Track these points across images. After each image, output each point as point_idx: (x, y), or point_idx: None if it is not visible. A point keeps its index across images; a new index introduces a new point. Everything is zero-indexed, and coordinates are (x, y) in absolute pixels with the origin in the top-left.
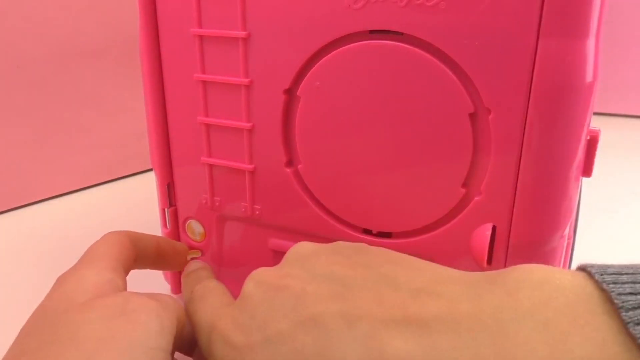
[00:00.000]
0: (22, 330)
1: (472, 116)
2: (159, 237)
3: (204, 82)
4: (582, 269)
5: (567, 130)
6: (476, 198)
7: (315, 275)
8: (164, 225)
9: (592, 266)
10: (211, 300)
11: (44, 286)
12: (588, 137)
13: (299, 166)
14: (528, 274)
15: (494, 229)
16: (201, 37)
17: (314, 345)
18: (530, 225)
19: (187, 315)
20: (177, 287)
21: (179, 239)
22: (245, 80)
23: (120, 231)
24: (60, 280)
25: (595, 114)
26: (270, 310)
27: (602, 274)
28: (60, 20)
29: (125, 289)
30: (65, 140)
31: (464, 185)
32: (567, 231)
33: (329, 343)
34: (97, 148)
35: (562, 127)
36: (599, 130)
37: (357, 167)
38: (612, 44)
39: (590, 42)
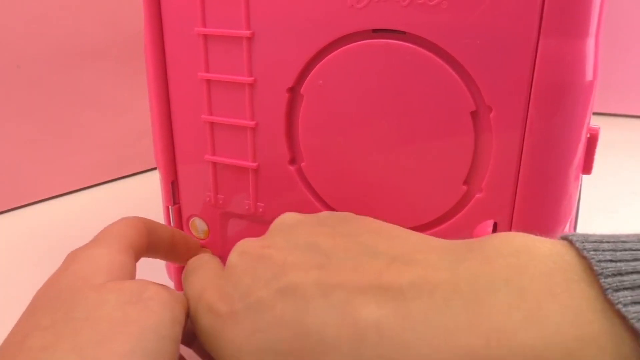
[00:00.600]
0: (31, 304)
1: (474, 114)
2: (174, 229)
3: (208, 81)
4: (564, 238)
5: (567, 128)
6: (477, 195)
7: (297, 246)
8: (168, 223)
9: (574, 235)
10: (202, 273)
11: None
12: (588, 135)
13: (302, 164)
14: (507, 242)
15: (495, 225)
16: (205, 36)
17: (292, 312)
18: (531, 222)
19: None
20: (180, 283)
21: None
22: (249, 79)
23: (137, 217)
24: (72, 257)
25: (595, 114)
26: (252, 279)
27: (582, 242)
28: (60, 20)
29: (134, 274)
30: (65, 140)
31: (466, 182)
32: (567, 228)
33: (306, 310)
34: (97, 148)
35: (563, 125)
36: (599, 128)
37: (359, 165)
38: (612, 44)
39: (590, 42)
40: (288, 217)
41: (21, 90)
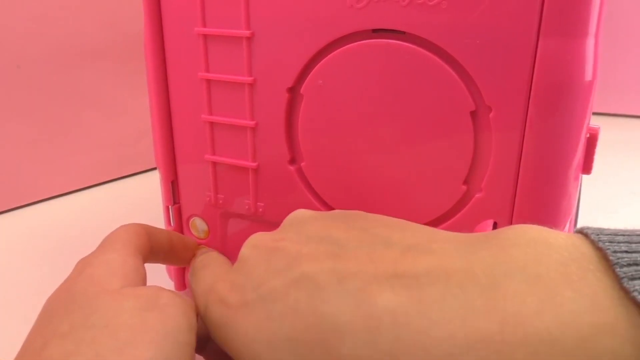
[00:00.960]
0: (46, 310)
1: (473, 114)
2: (170, 231)
3: (208, 81)
4: (579, 231)
5: (566, 128)
6: (477, 195)
7: (310, 238)
8: (168, 222)
9: (588, 228)
10: (211, 268)
11: (44, 286)
12: (588, 135)
13: (302, 164)
14: (522, 233)
15: (494, 225)
16: (205, 36)
17: (306, 301)
18: (531, 222)
19: (190, 286)
20: (181, 283)
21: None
22: (249, 79)
23: (137, 223)
24: (84, 264)
25: (595, 114)
26: (265, 270)
27: (597, 234)
28: (60, 20)
29: (146, 278)
30: (65, 140)
31: (465, 182)
32: (566, 228)
33: (321, 298)
34: (97, 148)
35: (562, 125)
36: (599, 128)
37: (359, 165)
38: (612, 44)
39: (590, 42)
40: (300, 213)
41: (21, 90)
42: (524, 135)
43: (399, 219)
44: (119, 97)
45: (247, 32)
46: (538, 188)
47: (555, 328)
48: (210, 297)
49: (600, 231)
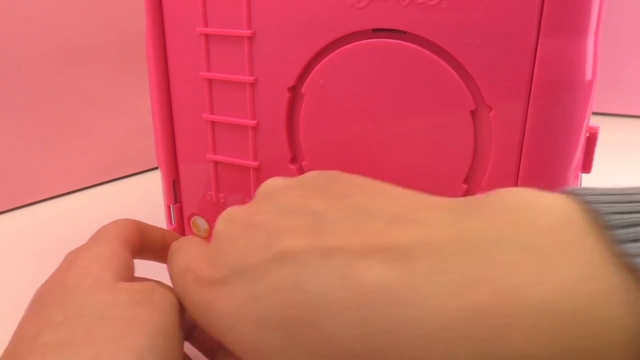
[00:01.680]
0: (37, 300)
1: (474, 113)
2: (164, 229)
3: (210, 80)
4: (567, 192)
5: (566, 127)
6: (477, 194)
7: (287, 211)
8: (169, 221)
9: (577, 189)
10: (187, 249)
11: None
12: (587, 134)
13: (303, 163)
14: (512, 197)
15: None
16: (207, 36)
17: (290, 278)
18: None
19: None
20: None
21: (184, 235)
22: (250, 78)
23: (128, 218)
24: (74, 255)
25: (594, 113)
26: (244, 246)
27: (588, 195)
28: (60, 20)
29: (134, 270)
30: (66, 140)
31: (466, 181)
32: None
33: (305, 276)
34: (97, 148)
35: (562, 124)
36: (598, 127)
37: (360, 164)
38: (612, 44)
39: (590, 41)
40: (273, 182)
41: (21, 90)
42: (524, 135)
43: (378, 182)
44: (119, 97)
45: (248, 32)
46: (538, 187)
47: (550, 297)
48: (187, 277)
49: (590, 191)
